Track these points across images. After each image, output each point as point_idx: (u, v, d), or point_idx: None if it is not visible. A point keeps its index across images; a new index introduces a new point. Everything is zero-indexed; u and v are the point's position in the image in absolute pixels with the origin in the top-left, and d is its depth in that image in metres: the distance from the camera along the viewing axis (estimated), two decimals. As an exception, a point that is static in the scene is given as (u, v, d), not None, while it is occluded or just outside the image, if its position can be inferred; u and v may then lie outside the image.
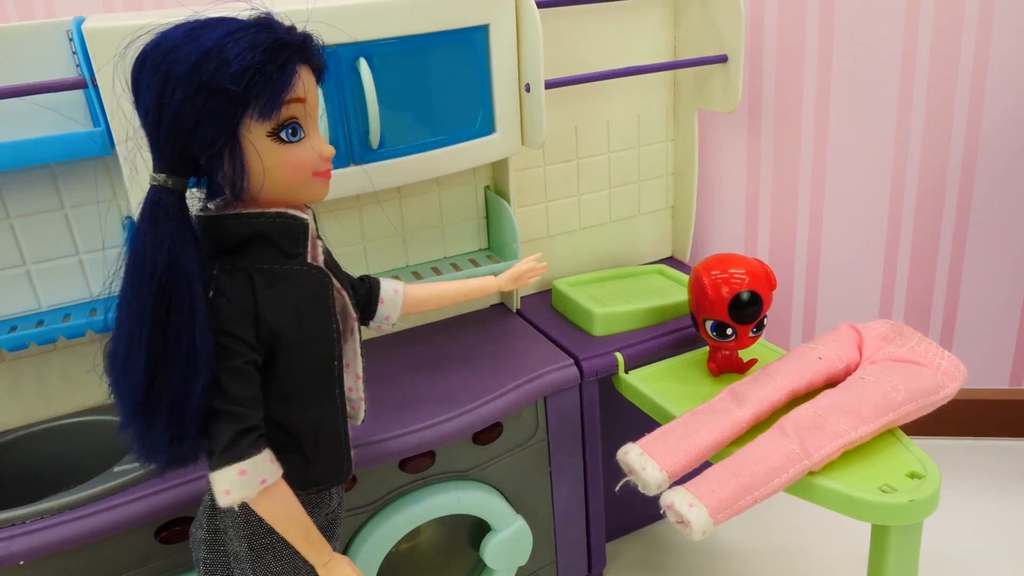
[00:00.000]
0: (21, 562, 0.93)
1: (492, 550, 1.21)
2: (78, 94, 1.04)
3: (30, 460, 1.15)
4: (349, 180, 1.11)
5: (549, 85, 1.24)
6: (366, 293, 0.98)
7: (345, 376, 0.89)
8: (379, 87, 1.07)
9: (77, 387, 1.18)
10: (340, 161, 1.09)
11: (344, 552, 1.12)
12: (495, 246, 1.40)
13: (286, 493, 0.78)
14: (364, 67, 1.05)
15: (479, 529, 1.24)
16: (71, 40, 1.02)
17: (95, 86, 0.96)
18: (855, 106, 1.55)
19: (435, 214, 1.35)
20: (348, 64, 1.05)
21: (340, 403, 0.85)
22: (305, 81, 0.74)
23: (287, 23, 0.74)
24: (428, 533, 1.27)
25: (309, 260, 0.80)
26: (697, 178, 1.55)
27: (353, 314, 0.89)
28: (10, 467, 1.13)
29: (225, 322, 0.74)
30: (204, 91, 0.68)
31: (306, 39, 0.74)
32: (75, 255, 1.13)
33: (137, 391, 0.72)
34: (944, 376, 1.08)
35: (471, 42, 1.15)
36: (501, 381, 1.20)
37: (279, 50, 0.70)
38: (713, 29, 1.39)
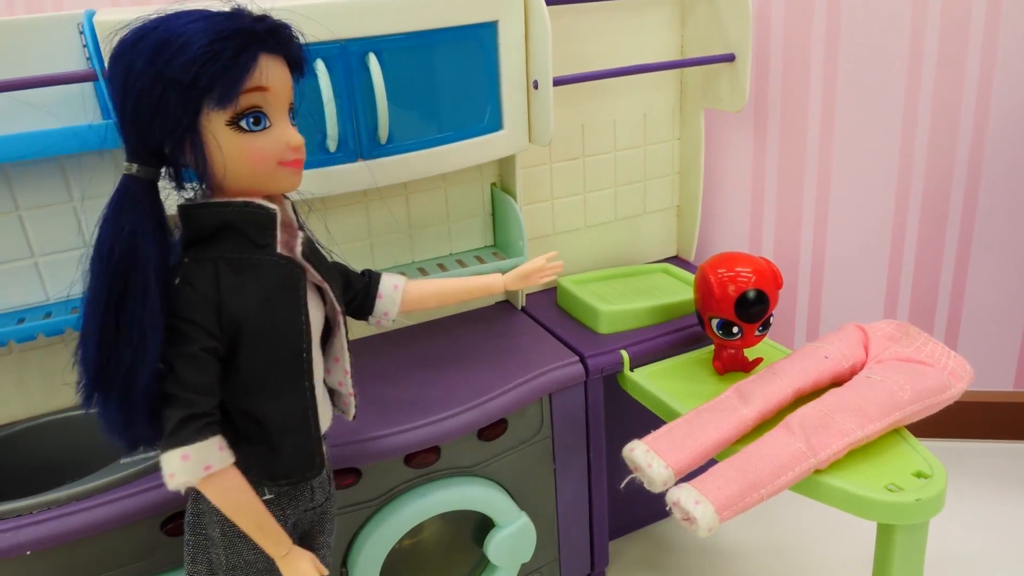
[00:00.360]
0: (28, 552, 0.94)
1: (496, 546, 1.21)
2: (89, 87, 1.05)
3: (36, 452, 1.15)
4: (356, 175, 1.11)
5: (557, 82, 1.24)
6: (364, 287, 0.97)
7: (333, 370, 0.90)
8: (388, 82, 1.07)
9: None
10: (348, 156, 1.09)
11: (348, 548, 1.13)
12: (501, 243, 1.40)
13: (236, 482, 0.77)
14: (374, 62, 1.06)
15: (483, 525, 1.25)
16: (81, 33, 1.02)
17: (105, 79, 0.96)
18: (861, 106, 1.55)
19: (441, 211, 1.35)
20: (358, 59, 1.06)
21: (309, 396, 0.82)
22: (269, 70, 0.73)
23: (256, 12, 0.74)
24: (431, 529, 1.27)
25: (280, 250, 0.79)
26: (703, 177, 1.55)
27: (338, 307, 0.87)
28: (16, 458, 1.13)
29: (186, 309, 0.75)
30: (159, 81, 0.69)
31: (272, 28, 0.74)
32: (83, 248, 1.12)
33: (91, 369, 0.74)
34: (950, 376, 1.08)
35: (480, 38, 1.16)
36: (506, 378, 1.20)
37: (234, 38, 0.70)
38: (720, 28, 1.39)
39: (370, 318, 0.99)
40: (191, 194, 0.80)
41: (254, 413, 0.80)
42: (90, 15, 0.96)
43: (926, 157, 1.56)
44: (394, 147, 1.12)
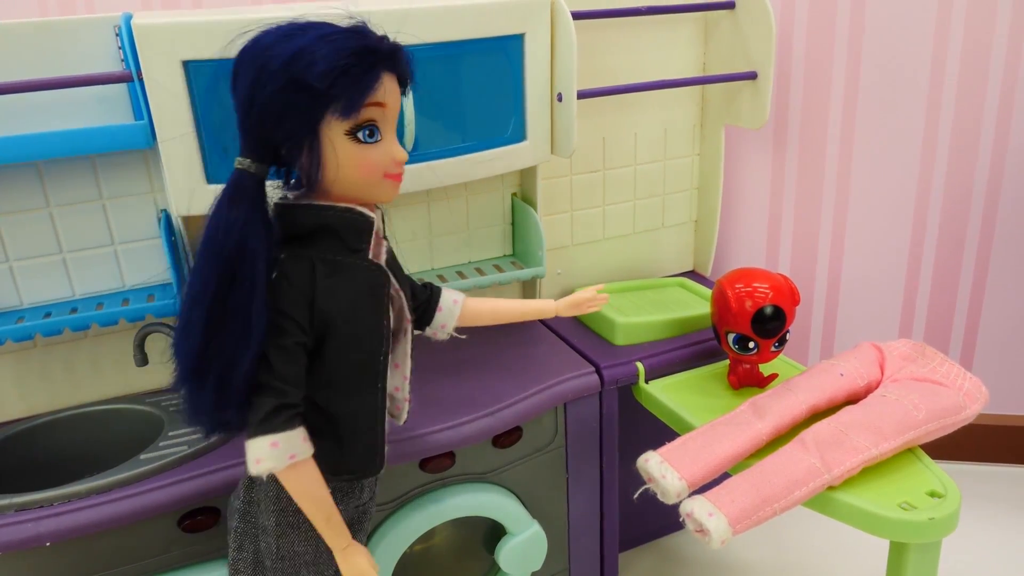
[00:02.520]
0: (48, 543, 0.95)
1: (507, 554, 1.22)
2: (120, 88, 1.07)
3: (57, 445, 1.16)
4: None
5: (580, 95, 1.26)
6: (426, 299, 1.01)
7: (392, 375, 0.92)
8: (416, 91, 1.09)
9: (105, 375, 1.20)
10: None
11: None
12: (520, 253, 1.41)
13: (313, 473, 0.81)
14: (402, 71, 1.07)
15: (494, 532, 1.25)
16: (117, 35, 1.04)
17: (140, 80, 0.98)
18: (881, 126, 1.55)
19: (462, 219, 1.37)
20: (386, 67, 1.07)
21: (380, 398, 0.86)
22: (387, 88, 0.78)
23: (379, 32, 0.79)
24: (442, 535, 1.27)
25: (371, 257, 0.84)
26: (721, 193, 1.56)
27: (408, 315, 0.91)
28: (37, 451, 1.15)
29: (282, 302, 0.79)
30: (292, 86, 0.74)
31: (395, 50, 0.79)
32: (110, 245, 1.15)
33: (192, 354, 0.77)
34: (966, 397, 1.08)
35: (507, 50, 1.17)
36: (522, 386, 1.21)
37: (366, 55, 0.75)
38: (743, 46, 1.41)
39: (427, 329, 1.02)
40: (289, 194, 0.83)
41: (328, 408, 0.84)
42: (128, 18, 0.99)
43: (945, 179, 1.56)
44: (420, 155, 1.14)
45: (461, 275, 1.35)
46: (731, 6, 1.41)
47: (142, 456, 1.04)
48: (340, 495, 0.88)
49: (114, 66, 1.06)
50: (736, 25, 1.42)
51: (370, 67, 0.76)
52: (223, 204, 0.78)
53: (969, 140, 1.53)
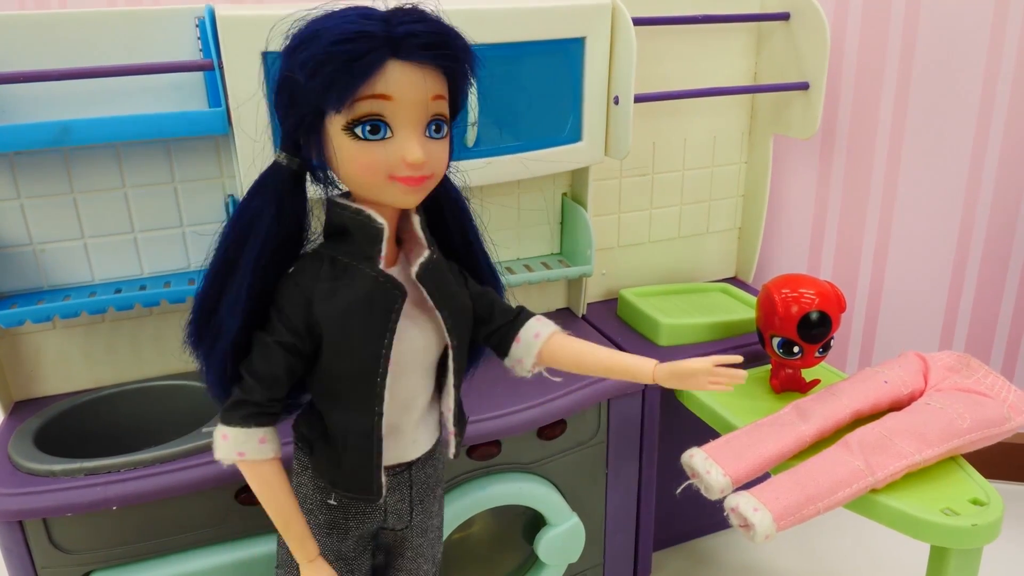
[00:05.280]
0: (114, 507, 1.00)
1: (547, 544, 1.24)
2: (195, 76, 1.11)
3: (120, 416, 1.21)
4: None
5: (636, 99, 1.29)
6: (506, 325, 0.88)
7: (444, 399, 0.86)
8: (479, 89, 1.13)
9: (169, 352, 1.24)
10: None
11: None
12: (567, 252, 1.44)
13: (269, 476, 0.77)
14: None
15: (533, 524, 1.28)
16: (197, 26, 1.09)
17: (220, 69, 1.03)
18: (929, 138, 1.56)
19: (513, 216, 1.40)
20: (453, 65, 1.11)
21: (376, 420, 0.78)
22: (397, 77, 0.68)
23: (404, 12, 0.69)
24: (480, 525, 1.30)
25: (382, 266, 0.77)
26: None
27: (448, 340, 0.81)
28: (101, 422, 1.20)
29: (281, 298, 0.76)
30: (287, 77, 0.70)
31: (408, 33, 0.68)
32: (179, 227, 1.20)
33: (193, 325, 0.80)
34: (1010, 409, 1.09)
35: (568, 53, 1.21)
36: (568, 380, 1.23)
37: (356, 41, 0.66)
38: (796, 56, 1.43)
39: (506, 360, 0.89)
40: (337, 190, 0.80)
41: (325, 417, 0.81)
42: (211, 9, 1.03)
43: (992, 193, 1.57)
44: (479, 151, 1.18)
45: (510, 270, 1.38)
46: (786, 17, 1.43)
47: (204, 429, 1.09)
48: (352, 513, 0.85)
49: (190, 55, 1.10)
50: (790, 35, 1.44)
51: (363, 54, 0.66)
52: (249, 191, 0.76)
53: (1018, 154, 1.53)
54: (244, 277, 0.76)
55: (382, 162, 0.71)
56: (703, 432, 1.18)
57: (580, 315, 1.49)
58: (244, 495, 1.06)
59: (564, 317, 1.48)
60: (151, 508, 1.03)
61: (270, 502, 0.78)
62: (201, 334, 0.80)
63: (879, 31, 1.52)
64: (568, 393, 1.21)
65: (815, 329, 1.17)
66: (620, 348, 1.36)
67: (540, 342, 0.87)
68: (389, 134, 0.70)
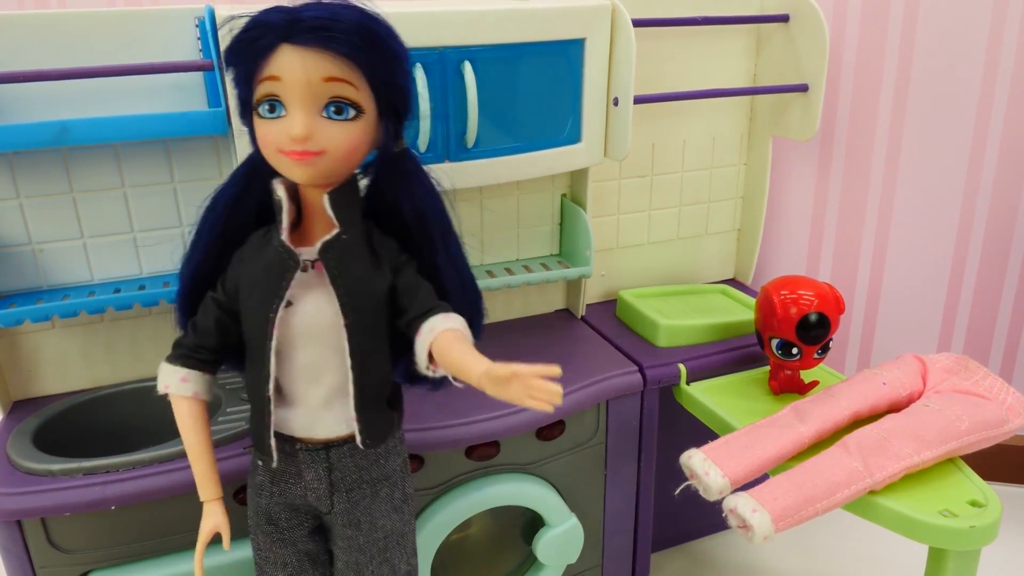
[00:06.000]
0: (112, 507, 1.00)
1: (545, 544, 1.24)
2: (195, 77, 1.11)
3: (118, 417, 1.21)
4: (441, 176, 1.16)
5: (635, 101, 1.29)
6: (417, 318, 0.84)
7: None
8: (479, 90, 1.13)
9: (167, 352, 1.23)
10: (436, 157, 1.14)
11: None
12: (566, 253, 1.44)
13: (185, 415, 0.87)
14: (468, 70, 1.11)
15: (532, 525, 1.28)
16: (197, 26, 1.09)
17: (220, 69, 1.03)
18: (928, 140, 1.57)
19: (512, 217, 1.40)
20: (453, 66, 1.11)
21: (265, 384, 0.84)
22: (287, 60, 0.74)
23: (306, 6, 0.75)
24: (478, 526, 1.30)
25: (284, 237, 0.81)
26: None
27: (342, 317, 0.82)
28: (100, 421, 1.20)
29: (229, 259, 0.87)
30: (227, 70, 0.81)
31: (294, 20, 0.73)
32: (179, 227, 1.20)
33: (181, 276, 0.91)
34: (1009, 411, 1.09)
35: (567, 54, 1.21)
36: (567, 380, 1.22)
37: (258, 29, 0.75)
38: (795, 58, 1.43)
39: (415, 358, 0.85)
40: None
41: (245, 374, 0.90)
42: (211, 9, 1.03)
43: (991, 195, 1.57)
44: (479, 152, 1.18)
45: (509, 271, 1.38)
46: (785, 19, 1.43)
47: (203, 430, 1.09)
48: (280, 479, 0.90)
49: (190, 55, 1.10)
50: (789, 37, 1.44)
51: (256, 39, 0.75)
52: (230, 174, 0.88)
53: (1017, 156, 1.54)
54: (199, 242, 0.88)
55: (272, 137, 0.78)
56: (702, 433, 1.18)
57: (579, 316, 1.49)
58: (242, 495, 1.06)
59: (562, 318, 1.48)
60: (150, 508, 1.03)
61: (183, 438, 0.88)
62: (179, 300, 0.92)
63: (878, 33, 1.52)
64: (567, 394, 1.21)
65: (814, 330, 1.17)
66: (619, 349, 1.37)
67: (432, 336, 0.81)
68: (284, 112, 0.77)
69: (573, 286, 1.49)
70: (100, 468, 1.02)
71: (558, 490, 1.26)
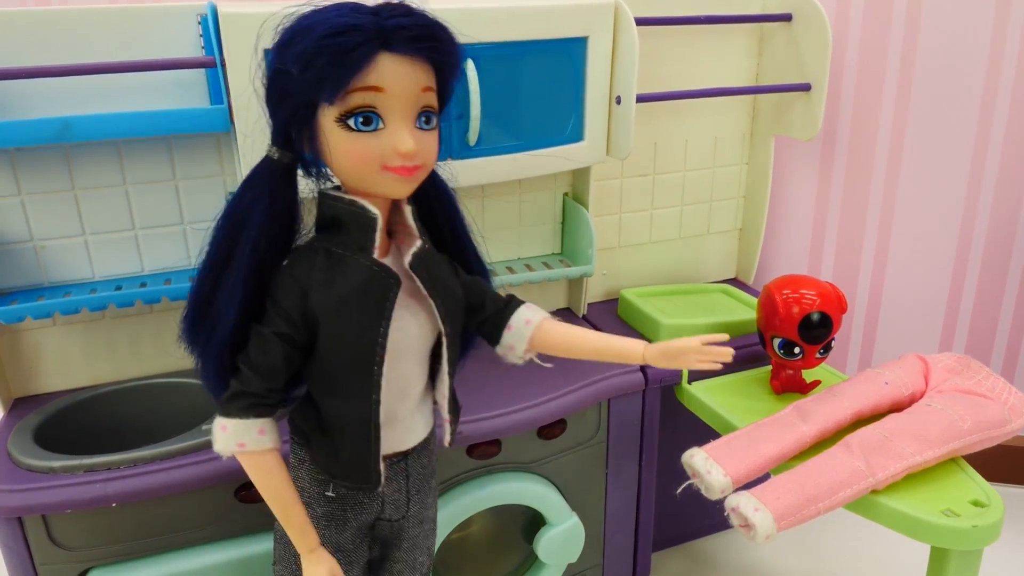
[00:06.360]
0: (114, 504, 0.99)
1: (546, 543, 1.24)
2: (197, 74, 1.11)
3: (119, 414, 1.21)
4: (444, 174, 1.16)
5: (637, 100, 1.29)
6: (496, 313, 0.90)
7: (439, 387, 0.88)
8: (482, 88, 1.13)
9: (168, 349, 1.23)
10: (439, 155, 1.14)
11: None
12: (568, 251, 1.44)
13: (270, 467, 0.78)
14: (471, 68, 1.11)
15: (533, 524, 1.28)
16: (199, 23, 1.09)
17: (223, 66, 1.03)
18: (930, 140, 1.57)
19: (514, 216, 1.40)
20: (456, 64, 1.11)
21: (374, 409, 0.79)
22: (389, 69, 0.70)
23: (392, 6, 0.71)
24: (479, 524, 1.30)
25: (376, 256, 0.77)
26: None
27: (442, 328, 0.83)
28: (101, 419, 1.19)
29: (277, 289, 0.77)
30: (279, 71, 0.72)
31: (398, 27, 0.70)
32: (180, 224, 1.20)
33: (188, 321, 0.80)
34: (1011, 411, 1.09)
35: (570, 52, 1.21)
36: (568, 379, 1.24)
37: (348, 34, 0.68)
38: (798, 57, 1.43)
39: (497, 348, 0.91)
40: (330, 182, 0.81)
41: (321, 407, 0.81)
42: (213, 6, 1.03)
43: (993, 195, 1.57)
44: (481, 150, 1.17)
45: (511, 270, 1.38)
46: (788, 18, 1.43)
47: (204, 427, 1.08)
48: (351, 503, 0.86)
49: (192, 52, 1.10)
50: (792, 37, 1.44)
51: (355, 47, 0.68)
52: (241, 185, 0.77)
53: (1019, 156, 1.53)
54: (239, 270, 0.76)
55: (375, 152, 0.72)
56: (703, 432, 1.18)
57: (581, 315, 1.49)
58: (243, 492, 1.06)
59: (564, 317, 1.47)
60: (150, 505, 1.03)
61: (270, 493, 0.79)
62: (197, 329, 0.80)
63: (881, 33, 1.52)
64: (568, 393, 1.21)
65: (816, 330, 1.17)
66: (620, 348, 1.36)
67: (531, 328, 0.89)
68: (381, 125, 0.72)
69: (575, 285, 1.49)
70: (101, 465, 1.01)
71: (559, 489, 1.26)
